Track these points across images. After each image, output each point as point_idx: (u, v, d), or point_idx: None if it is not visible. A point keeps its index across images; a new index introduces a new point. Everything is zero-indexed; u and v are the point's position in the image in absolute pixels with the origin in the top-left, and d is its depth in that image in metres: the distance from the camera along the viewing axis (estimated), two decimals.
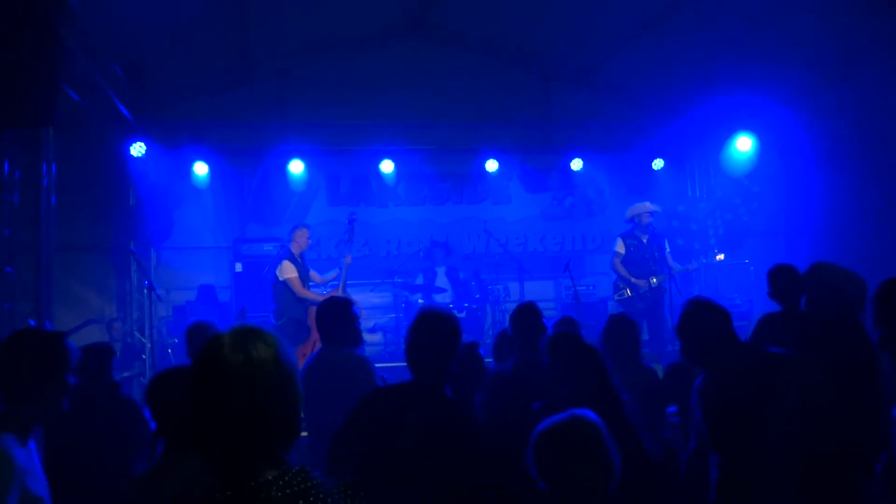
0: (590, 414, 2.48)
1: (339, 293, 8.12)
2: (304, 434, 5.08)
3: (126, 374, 8.92)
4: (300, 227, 8.60)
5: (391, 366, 8.03)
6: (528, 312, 4.43)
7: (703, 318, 3.27)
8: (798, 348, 3.61)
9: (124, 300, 10.54)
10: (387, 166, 11.18)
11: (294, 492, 1.65)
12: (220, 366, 1.63)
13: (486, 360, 4.84)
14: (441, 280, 10.46)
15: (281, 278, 8.11)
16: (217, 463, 1.65)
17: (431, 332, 3.14)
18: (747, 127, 10.48)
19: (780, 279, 4.61)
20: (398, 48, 11.43)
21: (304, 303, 8.11)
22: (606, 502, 2.37)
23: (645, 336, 8.40)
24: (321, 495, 1.68)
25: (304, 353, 7.61)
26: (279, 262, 8.23)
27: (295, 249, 8.36)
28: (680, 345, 3.36)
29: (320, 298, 8.12)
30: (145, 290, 8.89)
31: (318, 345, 7.53)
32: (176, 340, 9.48)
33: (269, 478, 1.65)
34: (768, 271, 4.72)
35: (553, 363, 3.36)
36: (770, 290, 4.67)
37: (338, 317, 4.62)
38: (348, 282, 8.70)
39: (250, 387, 1.62)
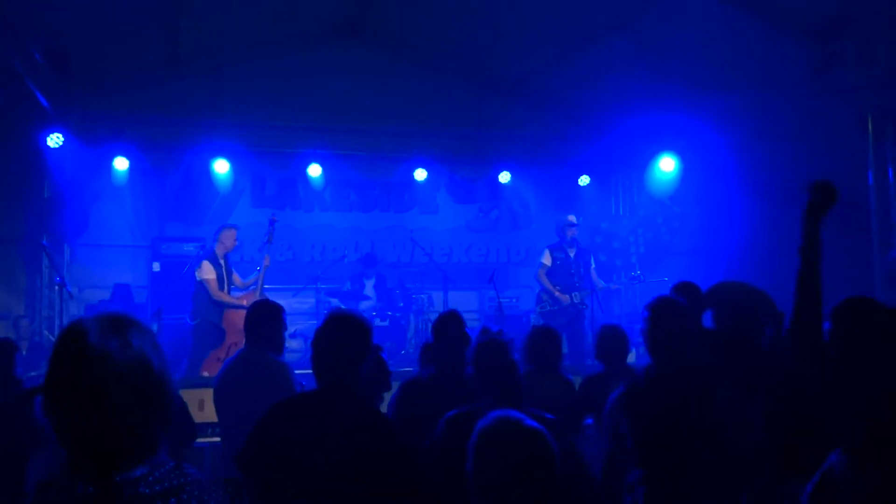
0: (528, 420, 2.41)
1: (257, 294, 7.96)
2: (216, 440, 4.96)
3: (33, 374, 8.56)
4: (228, 227, 8.43)
5: (311, 373, 7.90)
6: (450, 321, 4.40)
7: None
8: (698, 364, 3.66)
9: (34, 297, 10.13)
10: (314, 170, 11.05)
11: (166, 489, 1.55)
12: (88, 357, 1.52)
13: (408, 368, 4.82)
14: (368, 289, 10.39)
15: (198, 278, 7.93)
16: (81, 458, 1.54)
17: (343, 336, 3.05)
18: (671, 147, 10.72)
19: (682, 295, 4.68)
20: (332, 52, 11.33)
21: (220, 306, 7.94)
22: None
23: (565, 350, 8.49)
24: (197, 492, 1.59)
25: (217, 358, 7.44)
26: (200, 261, 8.05)
27: (219, 250, 8.18)
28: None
29: (236, 302, 7.98)
30: (56, 287, 8.56)
31: (233, 349, 7.43)
32: None
33: (138, 474, 1.55)
34: (672, 287, 4.80)
35: (479, 370, 3.33)
36: None
37: (268, 321, 4.61)
38: (271, 286, 8.57)
39: (117, 379, 1.52)
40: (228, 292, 8.16)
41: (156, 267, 9.89)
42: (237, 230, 8.47)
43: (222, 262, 8.16)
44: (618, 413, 3.27)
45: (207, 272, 7.92)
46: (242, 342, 7.50)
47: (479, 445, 2.33)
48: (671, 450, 3.00)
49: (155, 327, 7.91)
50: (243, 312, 7.77)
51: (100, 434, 1.53)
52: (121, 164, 10.26)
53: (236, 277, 8.41)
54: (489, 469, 2.28)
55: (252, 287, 8.23)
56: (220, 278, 8.03)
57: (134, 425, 1.56)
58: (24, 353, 8.74)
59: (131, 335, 1.58)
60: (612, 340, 5.05)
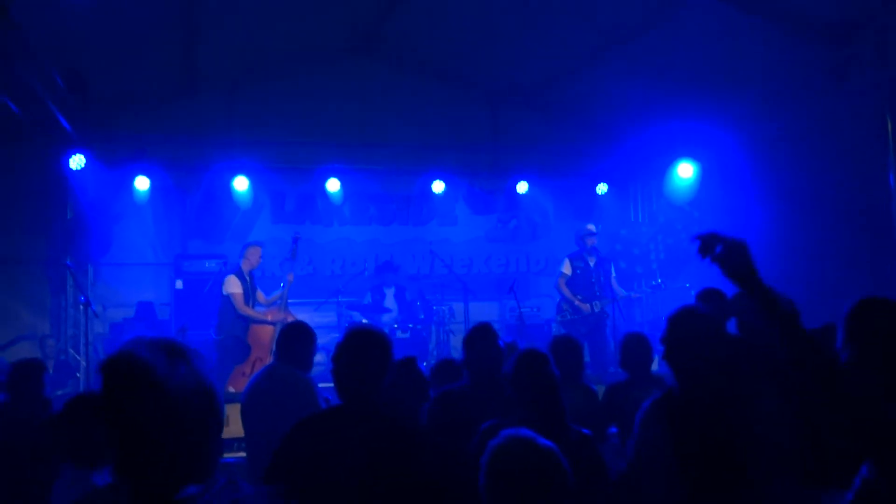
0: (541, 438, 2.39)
1: (281, 310, 8.05)
2: (242, 455, 4.99)
3: (59, 393, 8.65)
4: (253, 244, 8.55)
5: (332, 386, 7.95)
6: (477, 333, 4.41)
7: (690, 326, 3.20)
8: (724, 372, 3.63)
9: (59, 316, 10.24)
10: (333, 185, 11.10)
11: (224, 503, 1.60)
12: (146, 383, 1.56)
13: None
14: (389, 300, 10.41)
15: (225, 292, 8.02)
16: (138, 480, 1.58)
17: (363, 351, 3.06)
18: (690, 153, 10.69)
19: (706, 303, 4.67)
20: (347, 68, 11.40)
21: (245, 320, 8.03)
22: None
23: (587, 359, 8.48)
24: (253, 502, 1.64)
25: (242, 373, 7.51)
26: (226, 276, 8.14)
27: (245, 266, 8.29)
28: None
29: (261, 317, 8.08)
30: (81, 307, 8.64)
31: (258, 364, 7.51)
32: None
33: (195, 492, 1.59)
34: (696, 294, 4.78)
35: (518, 381, 3.33)
36: None
37: (301, 340, 4.75)
38: (293, 300, 8.64)
39: (175, 404, 1.57)
40: (253, 308, 8.25)
41: (178, 284, 9.98)
42: (262, 247, 8.56)
43: (248, 277, 8.25)
44: (651, 422, 3.22)
45: (234, 286, 8.02)
46: (267, 358, 7.64)
47: (491, 463, 2.33)
48: (710, 459, 2.96)
49: None
50: (268, 328, 7.95)
51: (171, 459, 1.58)
52: (142, 183, 10.36)
53: (260, 294, 8.50)
54: (500, 487, 2.29)
55: (277, 303, 8.31)
56: (245, 293, 8.12)
57: (202, 448, 1.62)
58: (50, 371, 8.85)
59: (192, 359, 1.64)
60: (636, 349, 5.04)
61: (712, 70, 8.96)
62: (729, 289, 4.52)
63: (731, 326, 4.46)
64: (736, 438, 2.98)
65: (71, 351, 9.88)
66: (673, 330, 3.23)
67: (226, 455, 5.44)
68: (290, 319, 7.74)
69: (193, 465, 1.62)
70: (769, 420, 3.03)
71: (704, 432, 3.02)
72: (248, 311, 8.06)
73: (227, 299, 8.03)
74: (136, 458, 1.58)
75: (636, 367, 5.01)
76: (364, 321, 9.84)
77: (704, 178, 10.76)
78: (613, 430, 5.02)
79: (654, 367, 5.49)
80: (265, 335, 7.95)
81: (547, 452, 2.31)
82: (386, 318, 10.06)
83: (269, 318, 8.06)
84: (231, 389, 7.49)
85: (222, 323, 8.08)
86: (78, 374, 9.07)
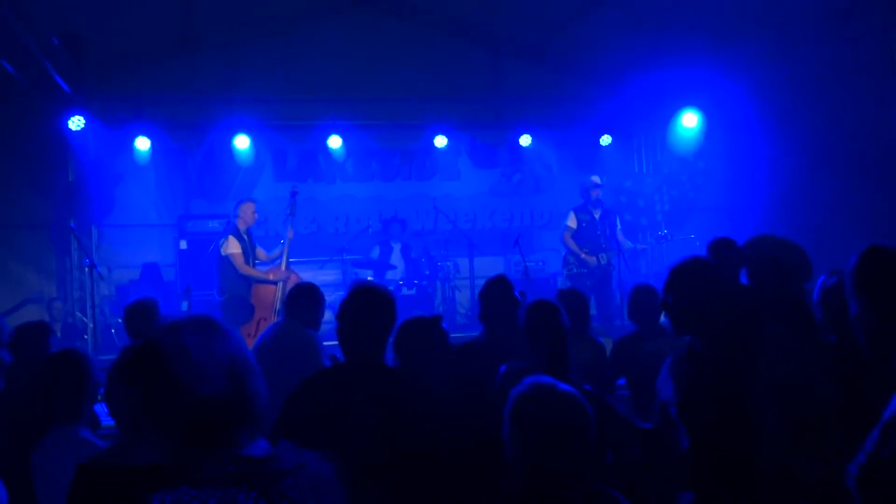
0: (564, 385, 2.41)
1: (282, 268, 8.00)
2: None
3: None
4: (246, 201, 8.42)
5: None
6: (493, 286, 4.41)
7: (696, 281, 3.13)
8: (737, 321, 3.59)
9: (64, 279, 10.27)
10: (334, 142, 11.02)
11: (294, 466, 1.67)
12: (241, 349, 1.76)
13: None
14: (395, 256, 10.39)
15: (224, 253, 7.95)
16: (211, 443, 1.62)
17: (367, 308, 3.06)
18: (694, 102, 10.55)
19: (717, 252, 4.63)
20: (347, 22, 11.27)
21: (247, 280, 7.96)
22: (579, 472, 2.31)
23: (593, 311, 8.48)
24: (315, 464, 1.74)
25: (248, 333, 7.49)
26: (224, 236, 8.09)
27: (241, 225, 8.19)
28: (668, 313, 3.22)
29: (263, 276, 8.02)
30: (86, 269, 8.64)
31: (263, 324, 7.50)
32: (119, 321, 9.24)
33: (271, 453, 1.68)
34: (707, 245, 4.75)
35: (530, 332, 3.34)
36: None
37: (311, 299, 4.85)
38: (297, 259, 8.60)
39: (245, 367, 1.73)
40: (253, 266, 8.19)
41: (183, 245, 9.97)
42: (256, 203, 8.47)
43: (246, 236, 8.18)
44: (664, 382, 3.18)
45: (233, 246, 7.94)
46: (271, 317, 7.62)
47: (514, 411, 2.35)
48: (713, 420, 2.92)
49: (185, 305, 8.00)
50: (271, 287, 7.91)
51: (238, 424, 1.66)
52: (142, 143, 10.31)
53: (260, 252, 8.42)
54: (525, 434, 2.31)
55: (277, 261, 8.25)
56: (245, 252, 8.05)
57: (261, 400, 1.74)
58: (58, 335, 8.88)
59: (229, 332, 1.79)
60: (644, 300, 5.02)
61: (716, 15, 8.79)
62: (740, 238, 4.50)
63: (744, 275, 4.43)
64: (744, 393, 2.93)
65: (78, 314, 9.92)
66: (673, 280, 3.20)
67: None
68: (293, 279, 7.71)
69: (259, 419, 1.71)
70: (780, 372, 2.98)
71: (712, 389, 2.97)
72: (250, 271, 8.00)
73: (227, 260, 7.96)
74: (211, 422, 1.63)
75: (644, 318, 4.99)
76: (369, 277, 9.83)
77: (709, 127, 10.64)
78: (622, 381, 5.04)
79: (662, 318, 5.48)
80: (269, 294, 7.91)
81: (570, 397, 2.34)
82: (391, 274, 10.05)
83: (272, 277, 8.00)
84: None
85: (224, 283, 8.02)
86: (86, 337, 9.10)
